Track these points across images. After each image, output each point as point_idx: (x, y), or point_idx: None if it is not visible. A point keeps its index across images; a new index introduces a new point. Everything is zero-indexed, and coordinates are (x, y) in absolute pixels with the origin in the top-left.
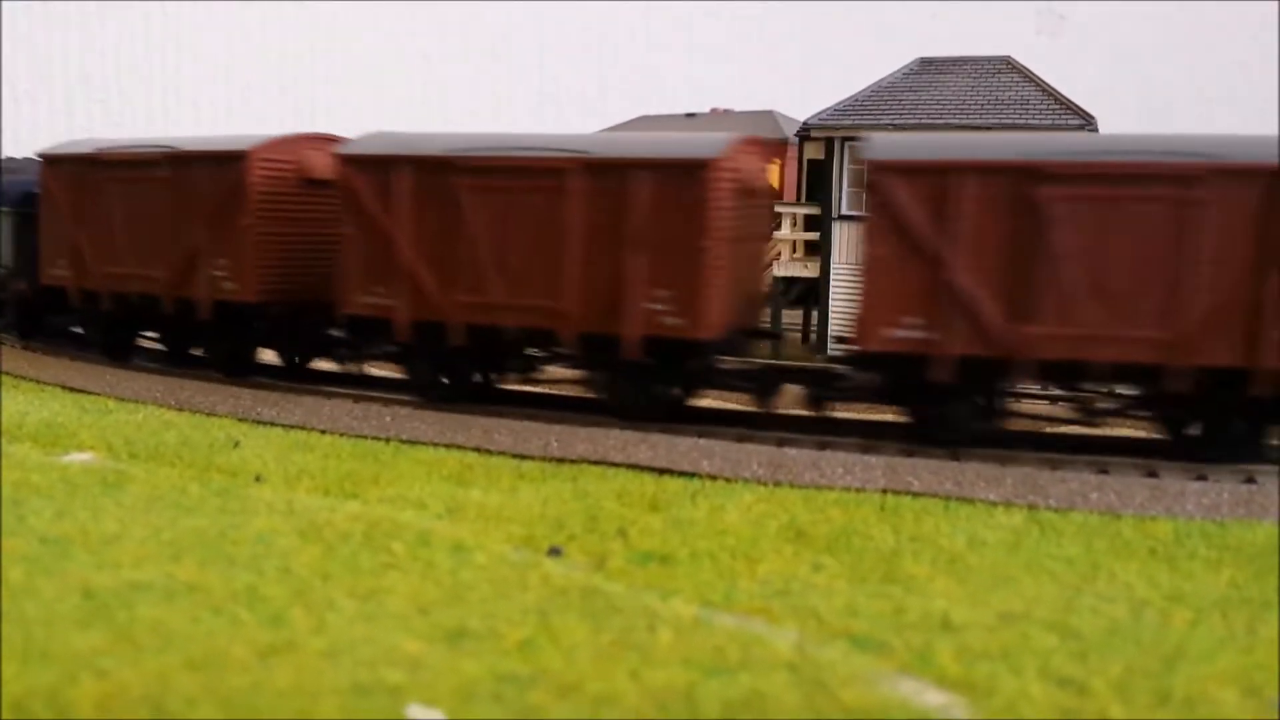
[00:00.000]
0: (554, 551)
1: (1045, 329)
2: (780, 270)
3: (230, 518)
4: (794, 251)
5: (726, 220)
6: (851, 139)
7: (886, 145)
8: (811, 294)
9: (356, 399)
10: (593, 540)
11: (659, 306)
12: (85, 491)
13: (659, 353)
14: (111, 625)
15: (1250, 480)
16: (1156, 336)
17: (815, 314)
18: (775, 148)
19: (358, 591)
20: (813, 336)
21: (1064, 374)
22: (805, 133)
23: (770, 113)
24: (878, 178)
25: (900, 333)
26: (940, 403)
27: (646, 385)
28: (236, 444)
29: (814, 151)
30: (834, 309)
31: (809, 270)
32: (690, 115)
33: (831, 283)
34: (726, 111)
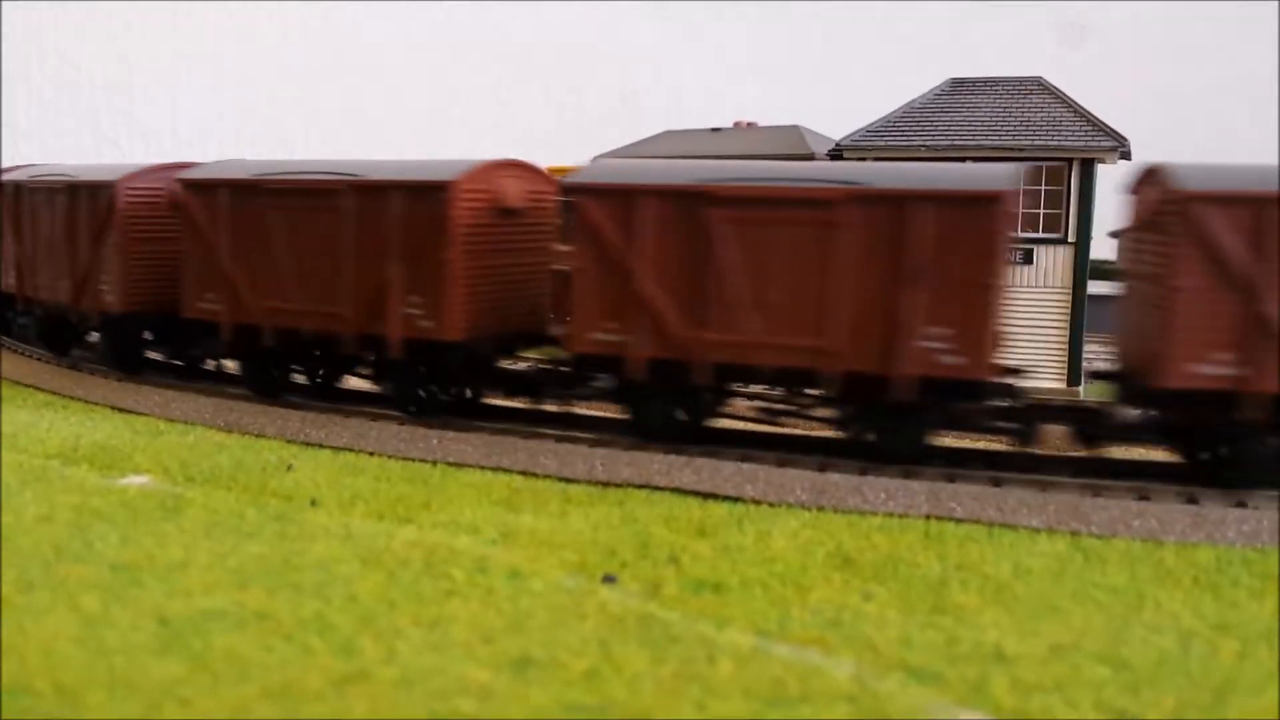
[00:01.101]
0: (608, 579)
1: (717, 335)
2: None
3: (290, 543)
4: None
5: (473, 236)
6: (883, 159)
7: (586, 171)
8: None
9: (401, 421)
10: (645, 567)
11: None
12: (146, 516)
13: (416, 351)
14: (189, 654)
15: None
16: (808, 344)
17: None
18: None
19: (423, 619)
20: None
21: (736, 377)
22: (837, 153)
23: (796, 127)
24: (577, 199)
25: (601, 336)
26: (642, 400)
27: (417, 383)
28: (290, 467)
29: None
30: None
31: None
32: (715, 130)
33: None
34: (751, 125)
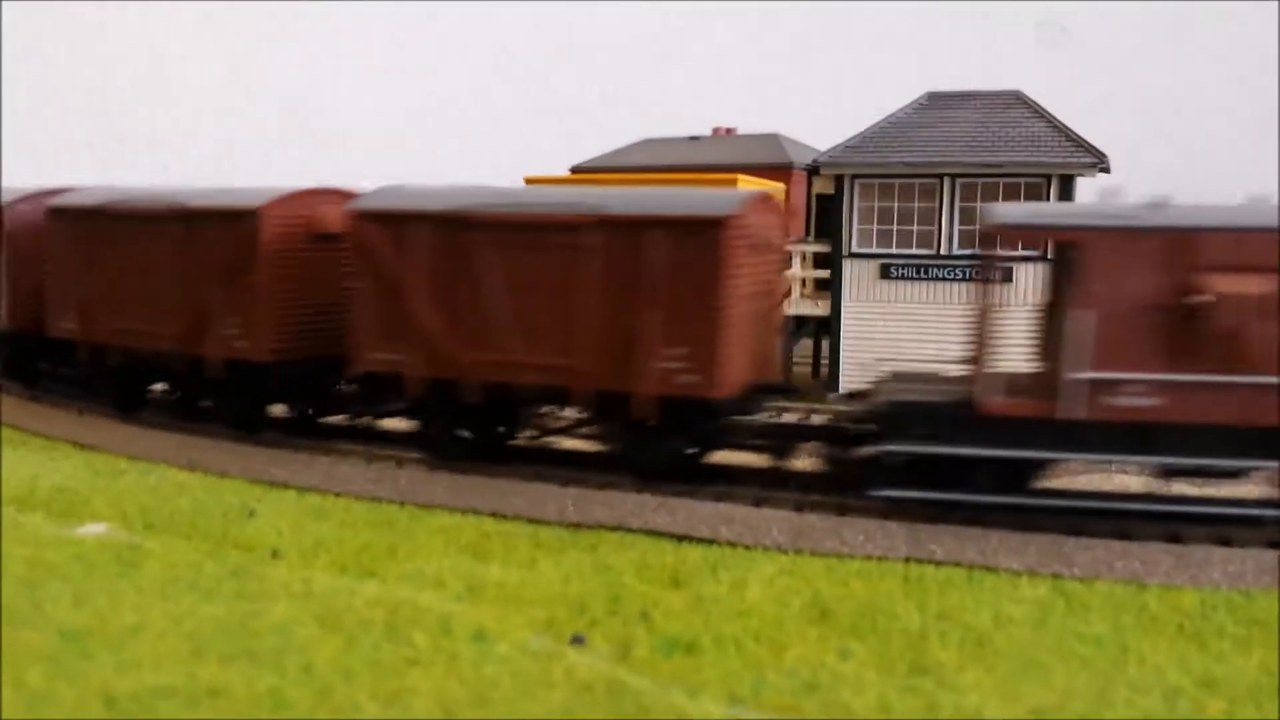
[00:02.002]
0: (576, 640)
1: (483, 355)
2: (791, 308)
3: (249, 603)
4: (804, 289)
5: (284, 260)
6: (861, 175)
7: (365, 197)
8: (822, 330)
9: (369, 459)
10: (615, 625)
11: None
12: (101, 571)
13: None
14: None
15: (1275, 545)
16: (562, 364)
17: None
18: (780, 174)
19: (381, 693)
20: (823, 372)
21: (504, 395)
22: (814, 168)
23: (775, 136)
24: (356, 224)
25: (382, 356)
26: (427, 419)
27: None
28: (251, 513)
29: (823, 186)
30: (846, 347)
31: (820, 309)
32: (693, 139)
33: (844, 320)
34: (730, 132)
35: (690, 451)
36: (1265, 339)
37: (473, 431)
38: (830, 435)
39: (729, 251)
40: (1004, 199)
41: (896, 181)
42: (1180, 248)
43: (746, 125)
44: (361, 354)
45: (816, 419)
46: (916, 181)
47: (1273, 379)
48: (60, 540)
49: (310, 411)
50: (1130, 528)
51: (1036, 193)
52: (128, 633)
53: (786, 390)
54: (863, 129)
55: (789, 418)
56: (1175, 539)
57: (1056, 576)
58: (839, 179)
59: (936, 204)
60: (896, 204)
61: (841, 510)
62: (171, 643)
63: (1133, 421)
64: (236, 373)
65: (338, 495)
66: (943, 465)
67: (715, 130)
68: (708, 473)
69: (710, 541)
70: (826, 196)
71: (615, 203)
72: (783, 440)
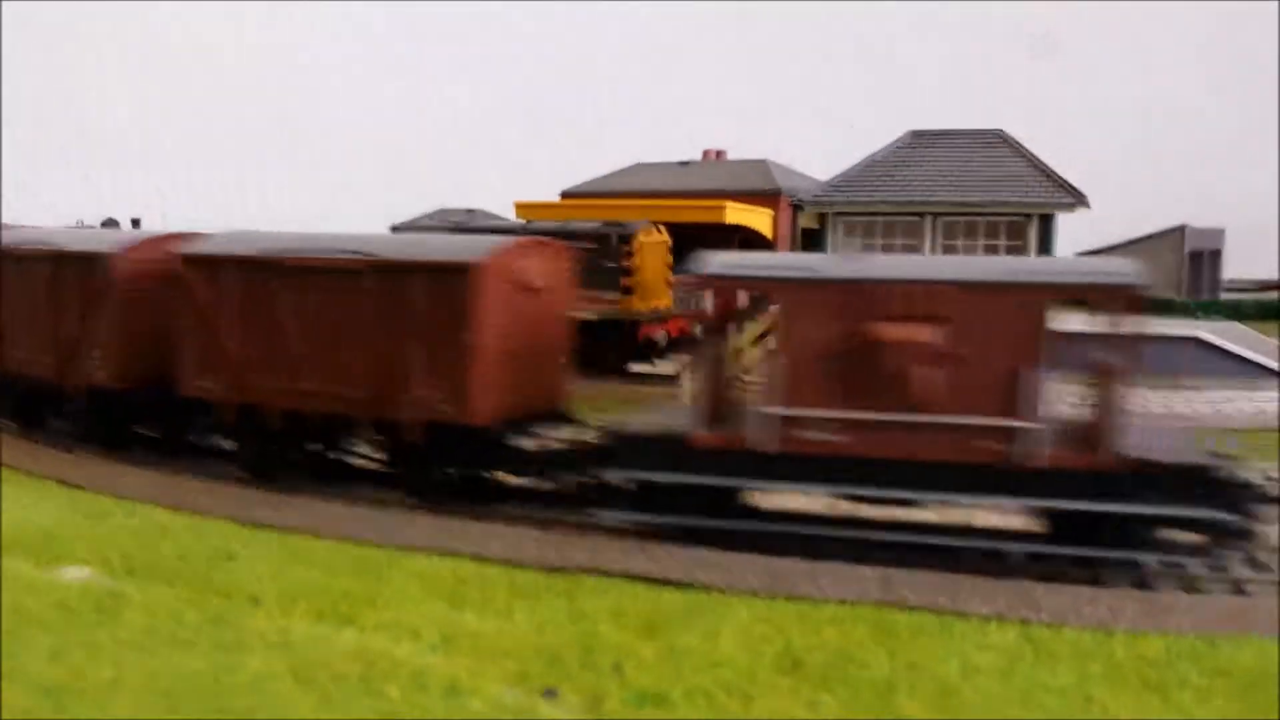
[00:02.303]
0: (549, 694)
1: (284, 385)
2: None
3: (226, 655)
4: None
5: (137, 298)
6: (845, 214)
7: (191, 242)
8: None
9: (349, 503)
10: (588, 677)
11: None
12: (81, 621)
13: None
14: None
15: (1241, 592)
16: (346, 394)
17: None
18: (768, 200)
19: None
20: None
21: (303, 421)
22: (799, 205)
23: (763, 161)
24: (180, 266)
25: (201, 383)
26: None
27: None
28: (231, 557)
29: (808, 221)
30: None
31: None
32: (684, 163)
33: None
34: (720, 156)
35: (466, 474)
36: (931, 381)
37: (283, 451)
38: (570, 460)
39: (482, 293)
40: (985, 237)
41: (880, 220)
42: (857, 297)
43: (738, 147)
44: (187, 382)
45: (559, 445)
46: (900, 220)
47: (941, 418)
48: (41, 585)
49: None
50: (834, 550)
51: (1018, 231)
52: (104, 687)
53: (561, 418)
54: (846, 167)
55: (556, 444)
56: (1143, 584)
57: (1025, 622)
58: (822, 216)
59: (920, 242)
60: (880, 241)
61: (810, 555)
62: (147, 698)
63: (819, 454)
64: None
65: (319, 537)
66: (660, 490)
67: (705, 154)
68: (481, 494)
69: (688, 585)
70: (812, 231)
71: (387, 249)
72: (538, 463)
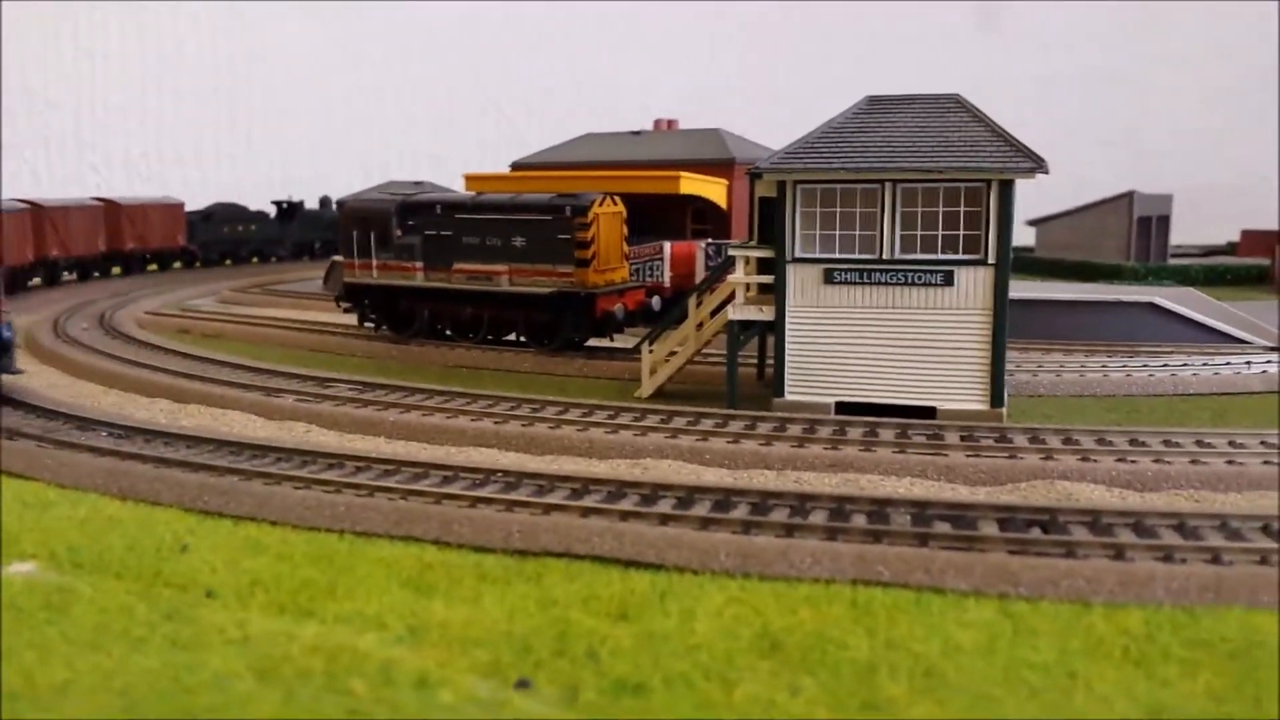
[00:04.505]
0: (522, 684)
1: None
2: (735, 313)
3: (183, 653)
4: (749, 293)
5: None
6: (803, 181)
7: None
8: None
9: (306, 484)
10: (562, 666)
11: None
12: (30, 619)
13: None
14: None
15: (1216, 560)
16: None
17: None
18: (722, 170)
19: None
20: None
21: None
22: (756, 173)
23: (716, 131)
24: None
25: None
26: None
27: None
28: (184, 548)
29: (765, 189)
30: (791, 351)
31: (765, 314)
32: (636, 133)
33: (788, 325)
34: (671, 126)
35: None
36: None
37: None
38: None
39: None
40: (945, 204)
41: (838, 187)
42: None
43: (689, 117)
44: None
45: None
46: (858, 186)
47: None
48: None
49: None
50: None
51: (976, 197)
52: (56, 690)
53: None
54: (804, 133)
55: None
56: (1119, 555)
57: (1003, 596)
58: (780, 184)
59: (878, 209)
60: (839, 209)
61: (788, 531)
62: (102, 700)
63: None
64: None
65: (274, 524)
66: None
67: (657, 124)
68: None
69: (658, 567)
70: (769, 200)
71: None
72: None
